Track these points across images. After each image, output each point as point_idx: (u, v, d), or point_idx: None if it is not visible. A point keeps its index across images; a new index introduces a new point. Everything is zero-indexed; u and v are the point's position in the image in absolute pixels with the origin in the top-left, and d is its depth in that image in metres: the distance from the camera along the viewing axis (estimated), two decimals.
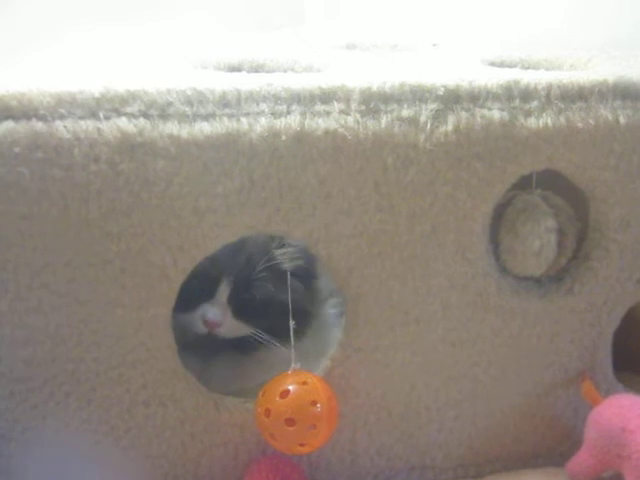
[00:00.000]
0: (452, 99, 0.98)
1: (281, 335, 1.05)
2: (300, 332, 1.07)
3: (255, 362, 1.11)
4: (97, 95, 0.90)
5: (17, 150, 0.89)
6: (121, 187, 0.92)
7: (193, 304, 1.07)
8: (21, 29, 1.33)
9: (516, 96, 0.99)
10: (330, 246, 1.00)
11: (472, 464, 1.13)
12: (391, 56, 1.25)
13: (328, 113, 0.95)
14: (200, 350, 1.10)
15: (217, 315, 1.07)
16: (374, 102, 0.96)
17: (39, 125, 0.89)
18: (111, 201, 0.92)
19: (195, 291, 1.05)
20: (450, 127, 0.98)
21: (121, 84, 0.92)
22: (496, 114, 0.98)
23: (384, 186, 0.98)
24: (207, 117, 0.93)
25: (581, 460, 1.08)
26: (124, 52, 1.18)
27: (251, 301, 1.09)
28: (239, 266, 1.08)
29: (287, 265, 1.07)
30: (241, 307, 1.08)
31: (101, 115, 0.90)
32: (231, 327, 1.08)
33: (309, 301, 1.13)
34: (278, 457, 1.04)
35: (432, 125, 0.97)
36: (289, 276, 1.04)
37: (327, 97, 0.96)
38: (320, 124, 0.95)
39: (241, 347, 1.11)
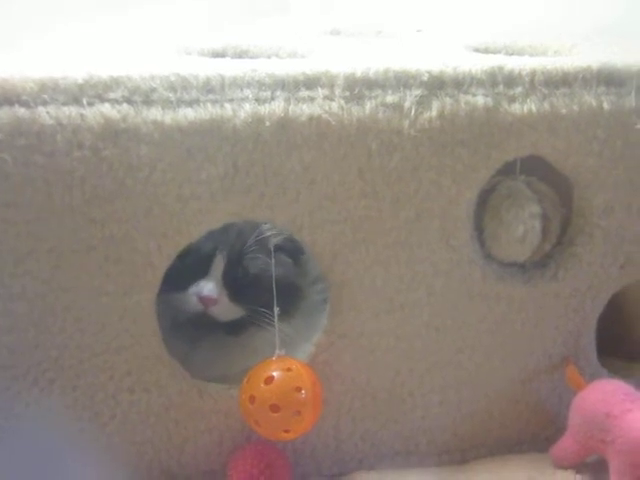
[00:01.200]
0: (436, 85, 0.98)
1: (271, 317, 1.04)
2: (289, 312, 1.08)
3: (240, 346, 1.10)
4: (80, 81, 0.90)
5: None
6: (104, 173, 0.92)
7: (186, 283, 1.07)
8: (12, 20, 1.32)
9: (500, 82, 0.99)
10: (314, 232, 1.00)
11: (456, 450, 1.13)
12: (375, 42, 1.25)
13: (312, 99, 0.95)
14: (187, 332, 1.09)
15: (212, 290, 1.06)
16: (358, 88, 0.96)
17: (22, 111, 0.89)
18: (94, 187, 0.92)
19: (188, 269, 1.05)
20: (434, 113, 0.98)
21: (105, 70, 0.92)
22: (480, 100, 0.99)
23: (368, 172, 0.98)
24: (191, 103, 0.93)
25: (565, 445, 1.09)
26: (109, 39, 1.18)
27: (245, 278, 1.08)
28: (230, 241, 1.07)
29: (273, 239, 1.07)
30: (235, 286, 1.08)
31: (84, 101, 0.90)
32: (225, 307, 1.08)
33: (298, 277, 1.13)
34: (263, 443, 1.04)
35: (416, 111, 0.97)
36: (273, 251, 1.05)
37: (311, 83, 0.95)
38: (304, 110, 0.95)
39: (229, 329, 1.10)
